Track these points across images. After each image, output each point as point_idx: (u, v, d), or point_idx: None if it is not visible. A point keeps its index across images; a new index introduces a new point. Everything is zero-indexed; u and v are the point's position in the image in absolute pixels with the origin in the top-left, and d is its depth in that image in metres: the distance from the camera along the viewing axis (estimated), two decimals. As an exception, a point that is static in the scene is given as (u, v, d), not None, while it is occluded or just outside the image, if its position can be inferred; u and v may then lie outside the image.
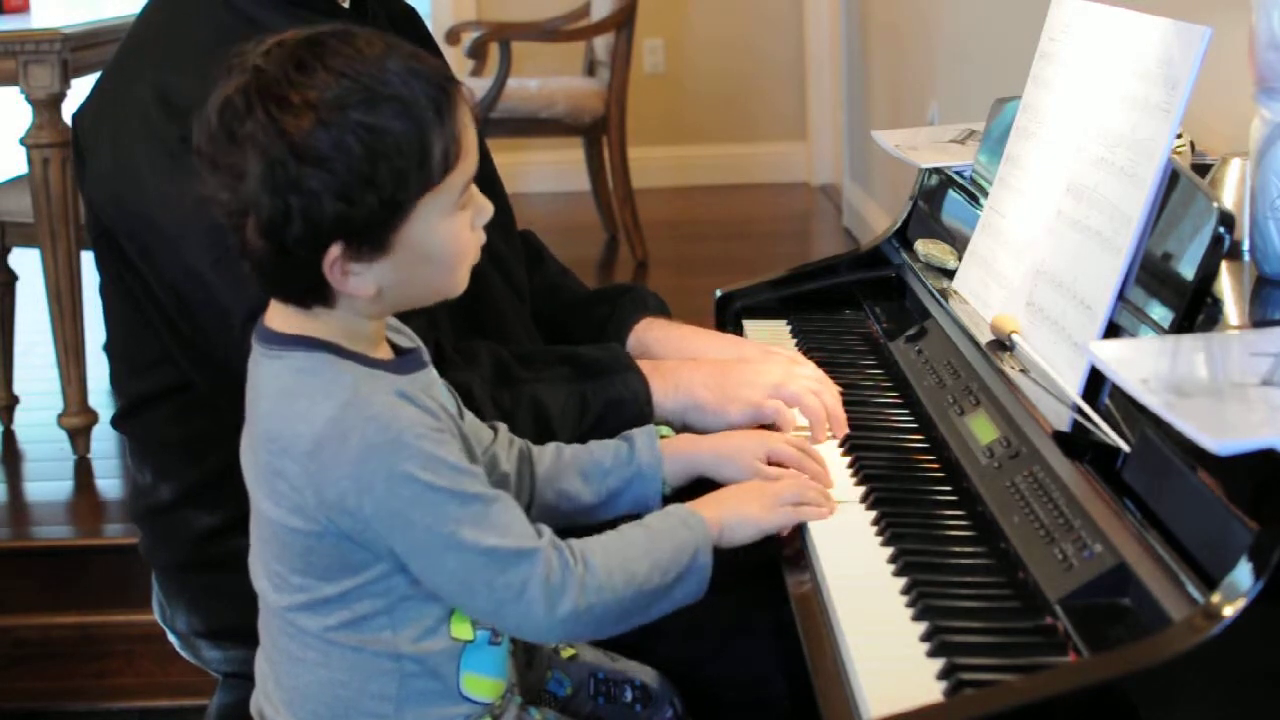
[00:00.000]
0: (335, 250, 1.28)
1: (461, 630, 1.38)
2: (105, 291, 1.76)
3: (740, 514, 1.44)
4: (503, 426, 1.55)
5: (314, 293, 1.33)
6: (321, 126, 1.25)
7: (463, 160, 1.31)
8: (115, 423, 1.82)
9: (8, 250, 3.50)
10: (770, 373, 1.70)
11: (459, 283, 1.37)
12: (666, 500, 1.55)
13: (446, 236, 1.33)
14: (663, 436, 1.59)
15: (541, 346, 1.82)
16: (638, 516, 1.47)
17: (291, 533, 1.34)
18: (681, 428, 1.71)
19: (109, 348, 1.81)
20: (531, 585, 1.32)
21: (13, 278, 3.55)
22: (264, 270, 1.32)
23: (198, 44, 1.61)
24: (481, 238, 1.38)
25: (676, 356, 1.81)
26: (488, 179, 1.85)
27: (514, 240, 1.94)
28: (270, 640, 1.42)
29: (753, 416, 1.67)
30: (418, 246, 1.31)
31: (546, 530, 1.36)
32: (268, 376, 1.36)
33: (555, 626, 1.34)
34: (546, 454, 1.55)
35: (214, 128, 1.28)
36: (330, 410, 1.30)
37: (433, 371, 1.42)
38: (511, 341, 1.78)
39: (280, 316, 1.36)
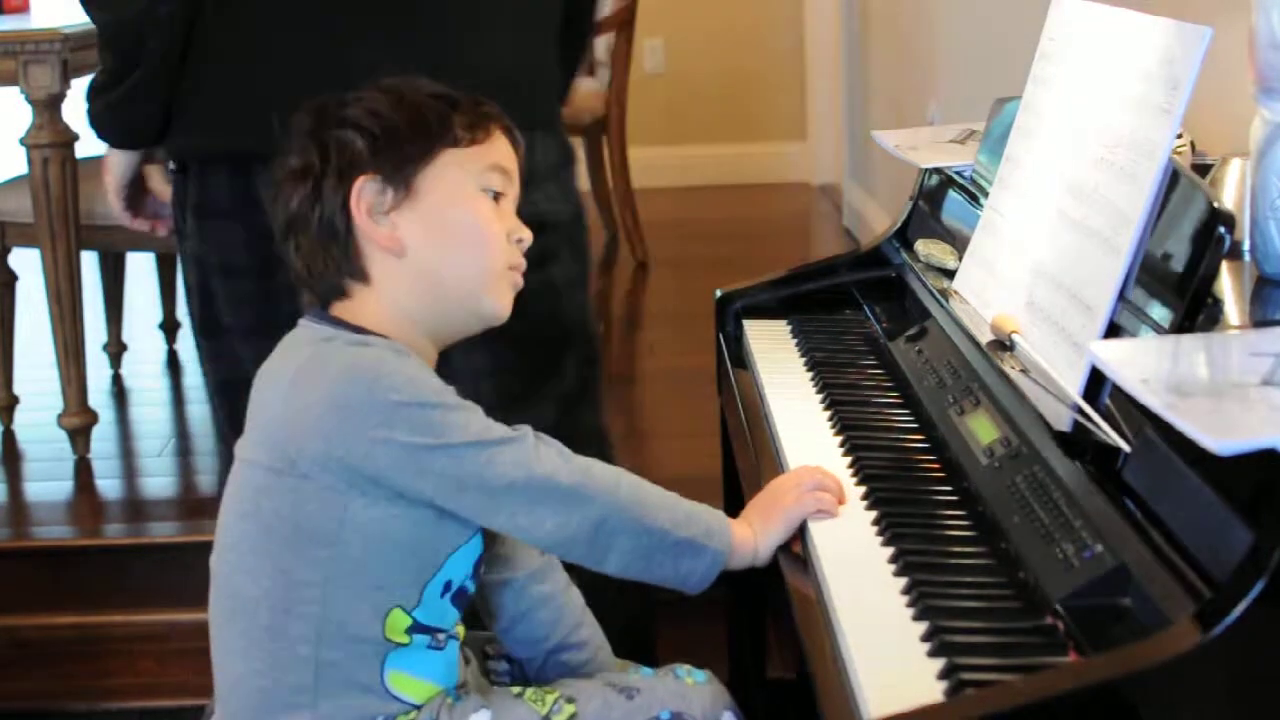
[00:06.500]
0: (361, 180, 1.39)
1: (396, 634, 1.40)
2: None
3: (769, 516, 1.45)
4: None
5: (350, 265, 1.41)
6: (360, 97, 1.45)
7: (489, 145, 1.44)
8: None
9: (8, 250, 3.50)
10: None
11: (494, 286, 1.45)
12: None
13: (468, 206, 1.42)
14: None
15: None
16: None
17: (259, 491, 1.39)
18: None
19: None
20: (518, 472, 1.36)
21: (13, 278, 3.54)
22: (304, 249, 1.42)
23: None
24: (520, 260, 1.46)
25: None
26: None
27: None
28: (215, 633, 1.45)
29: None
30: (439, 203, 1.40)
31: (527, 428, 1.40)
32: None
33: (543, 496, 1.36)
34: None
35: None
36: (310, 350, 1.40)
37: None
38: None
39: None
